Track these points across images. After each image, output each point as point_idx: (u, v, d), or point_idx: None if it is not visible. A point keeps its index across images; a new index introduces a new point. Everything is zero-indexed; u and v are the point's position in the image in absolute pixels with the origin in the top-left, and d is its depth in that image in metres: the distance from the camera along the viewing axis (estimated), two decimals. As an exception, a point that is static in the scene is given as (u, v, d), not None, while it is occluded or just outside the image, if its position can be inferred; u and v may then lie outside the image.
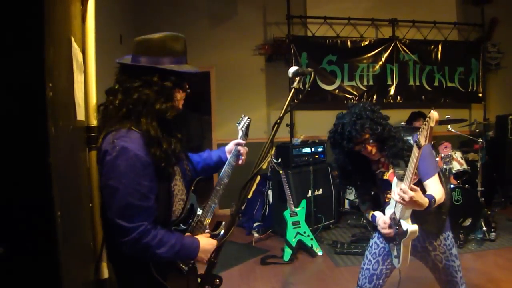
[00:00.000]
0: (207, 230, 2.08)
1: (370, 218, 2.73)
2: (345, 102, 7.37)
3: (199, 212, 2.08)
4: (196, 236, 1.96)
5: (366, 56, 7.46)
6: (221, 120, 7.16)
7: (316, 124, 7.29)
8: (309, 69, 1.96)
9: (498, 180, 7.38)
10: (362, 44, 7.47)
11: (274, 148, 1.86)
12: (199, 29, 7.00)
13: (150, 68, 1.78)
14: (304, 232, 5.10)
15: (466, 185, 5.39)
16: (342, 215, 6.58)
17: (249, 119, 2.45)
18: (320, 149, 6.10)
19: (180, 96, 1.92)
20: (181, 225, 1.95)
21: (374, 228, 2.82)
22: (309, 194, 5.70)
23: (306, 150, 5.96)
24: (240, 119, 2.45)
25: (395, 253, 2.62)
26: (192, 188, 2.05)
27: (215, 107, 7.21)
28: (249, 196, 1.79)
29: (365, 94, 7.46)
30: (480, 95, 8.09)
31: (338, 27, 7.40)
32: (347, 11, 7.45)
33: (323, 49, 7.26)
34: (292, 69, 1.96)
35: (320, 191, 5.92)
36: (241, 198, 1.79)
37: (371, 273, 2.83)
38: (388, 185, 2.50)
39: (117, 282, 1.82)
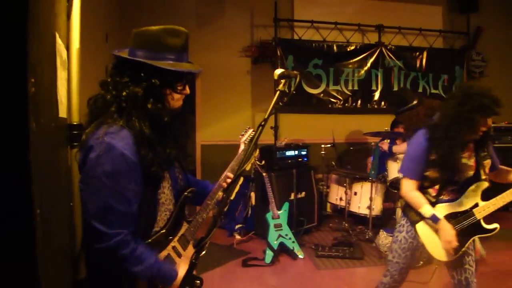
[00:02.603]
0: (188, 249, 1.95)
1: (428, 214, 2.78)
2: (330, 106, 7.40)
3: (185, 226, 1.95)
4: (177, 265, 1.85)
5: (351, 61, 7.50)
6: (205, 121, 7.13)
7: (301, 128, 7.33)
8: (295, 72, 1.96)
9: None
10: (348, 49, 7.50)
11: (258, 150, 1.84)
12: (185, 28, 6.97)
13: (138, 64, 1.65)
14: (286, 235, 5.11)
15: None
16: (324, 218, 6.60)
17: (253, 131, 2.29)
18: (303, 152, 6.12)
19: (176, 96, 1.77)
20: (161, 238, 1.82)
21: (412, 223, 2.92)
22: (292, 197, 5.72)
23: (290, 153, 5.97)
24: (244, 131, 2.40)
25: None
26: (182, 198, 1.89)
27: (200, 108, 7.18)
28: (232, 198, 1.78)
29: (350, 98, 7.50)
30: (463, 103, 8.16)
31: (324, 31, 7.43)
32: (334, 16, 7.49)
33: (309, 53, 7.28)
34: (278, 71, 1.95)
35: (303, 194, 5.94)
36: (223, 200, 1.78)
37: (400, 267, 3.04)
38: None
39: (89, 284, 1.73)
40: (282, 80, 1.91)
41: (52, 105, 1.47)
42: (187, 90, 1.82)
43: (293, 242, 5.14)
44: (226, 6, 7.23)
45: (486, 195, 2.92)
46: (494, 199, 2.85)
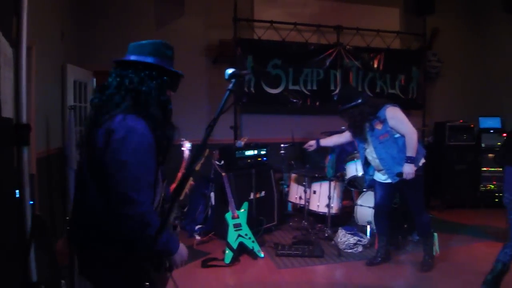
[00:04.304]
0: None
1: None
2: (289, 106, 7.46)
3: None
4: None
5: (310, 61, 7.58)
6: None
7: (260, 127, 7.34)
8: (245, 71, 1.97)
9: (436, 184, 7.69)
10: (307, 49, 7.58)
11: (207, 150, 1.84)
12: (144, 28, 6.89)
13: (151, 66, 2.04)
14: (246, 235, 5.11)
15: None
16: (284, 217, 6.63)
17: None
18: (263, 152, 6.14)
19: (170, 93, 2.14)
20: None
21: None
22: (252, 196, 5.73)
23: (249, 152, 5.98)
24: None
25: None
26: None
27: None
28: (181, 198, 1.77)
29: (309, 98, 7.57)
30: (420, 102, 8.39)
31: (284, 32, 7.48)
32: (293, 16, 7.56)
33: (269, 53, 7.31)
34: (229, 70, 1.95)
35: (263, 193, 5.96)
36: (172, 200, 1.77)
37: None
38: None
39: (103, 266, 1.92)
40: (232, 80, 1.90)
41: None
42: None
43: (253, 241, 5.14)
44: (186, 5, 7.17)
45: None
46: None
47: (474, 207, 7.75)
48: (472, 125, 7.90)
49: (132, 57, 2.06)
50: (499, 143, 7.73)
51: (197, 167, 1.78)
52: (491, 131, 7.94)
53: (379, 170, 4.79)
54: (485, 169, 7.75)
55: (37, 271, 1.76)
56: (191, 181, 1.80)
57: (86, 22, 6.55)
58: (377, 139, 4.59)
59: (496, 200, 7.68)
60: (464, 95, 8.84)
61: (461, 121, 7.92)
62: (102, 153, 1.82)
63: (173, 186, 2.85)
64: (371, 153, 4.75)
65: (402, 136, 4.51)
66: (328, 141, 5.41)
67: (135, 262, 1.88)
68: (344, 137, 5.21)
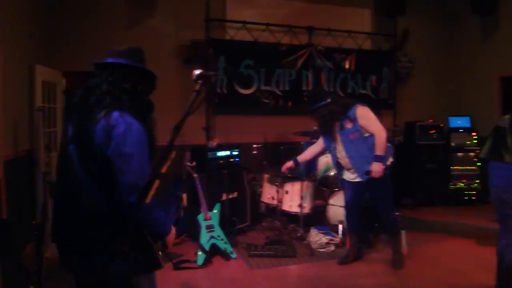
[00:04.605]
0: None
1: None
2: (261, 106, 7.46)
3: None
4: None
5: (282, 62, 7.59)
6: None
7: (232, 128, 7.31)
8: (212, 72, 1.97)
9: (407, 183, 7.80)
10: (279, 50, 7.59)
11: (174, 152, 1.83)
12: (114, 29, 6.77)
13: (134, 68, 2.19)
14: (218, 236, 5.09)
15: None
16: (257, 218, 6.63)
17: None
18: (235, 153, 6.12)
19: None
20: None
21: None
22: (224, 197, 5.71)
23: (221, 153, 5.95)
24: None
25: None
26: None
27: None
28: (148, 201, 1.74)
29: (281, 99, 7.59)
30: (391, 102, 8.50)
31: (256, 32, 7.48)
32: (265, 17, 7.55)
33: (241, 53, 7.30)
34: (196, 71, 1.94)
35: (235, 194, 5.94)
36: (138, 203, 1.75)
37: None
38: None
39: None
40: (199, 81, 1.89)
41: None
42: None
43: (225, 242, 5.13)
44: (157, 5, 7.08)
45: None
46: None
47: (444, 204, 7.90)
48: (442, 125, 8.06)
49: (116, 60, 2.17)
50: (468, 142, 7.92)
51: (164, 169, 1.75)
52: (461, 130, 8.11)
53: (348, 169, 4.85)
54: (454, 167, 7.91)
55: (3, 276, 1.71)
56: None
57: (55, 22, 6.42)
58: (347, 138, 4.65)
59: (466, 198, 7.86)
60: (434, 95, 8.98)
61: (431, 120, 8.06)
62: (102, 148, 1.91)
63: None
64: (340, 152, 4.80)
65: (371, 135, 4.57)
66: (306, 156, 5.42)
67: (145, 246, 2.03)
68: (319, 144, 5.23)
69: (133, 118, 1.98)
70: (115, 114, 1.95)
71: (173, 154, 1.80)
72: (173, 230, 2.21)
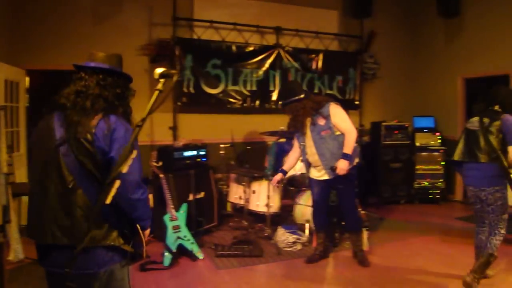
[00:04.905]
0: None
1: None
2: (229, 106, 7.45)
3: None
4: None
5: (250, 61, 7.62)
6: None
7: (200, 128, 7.29)
8: (174, 71, 1.94)
9: (372, 182, 7.90)
10: (247, 50, 7.62)
11: (135, 152, 1.82)
12: (80, 25, 6.65)
13: (121, 74, 2.33)
14: (185, 236, 5.05)
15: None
16: (224, 218, 6.62)
17: None
18: (202, 152, 6.06)
19: None
20: None
21: None
22: (191, 197, 5.66)
23: (188, 153, 5.89)
24: None
25: None
26: None
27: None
28: (107, 202, 1.71)
29: (249, 98, 7.60)
30: (357, 102, 8.63)
31: (224, 32, 7.47)
32: (233, 17, 7.55)
33: (208, 53, 7.28)
34: (158, 70, 1.93)
35: (202, 194, 5.89)
36: (97, 204, 1.72)
37: None
38: None
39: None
40: (161, 80, 1.88)
41: None
42: None
43: (192, 243, 5.09)
44: (124, 2, 6.98)
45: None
46: None
47: (409, 203, 8.05)
48: (406, 125, 8.19)
49: (109, 66, 2.28)
50: (432, 142, 8.08)
51: (124, 170, 1.73)
52: (425, 130, 8.28)
53: (315, 167, 4.88)
54: (419, 167, 8.05)
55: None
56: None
57: (18, 18, 6.27)
58: (318, 135, 4.69)
59: (430, 196, 8.02)
60: (399, 96, 9.14)
61: (396, 121, 8.19)
62: (103, 150, 2.03)
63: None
64: (310, 148, 4.82)
65: (342, 134, 4.63)
66: (290, 163, 5.20)
67: (135, 240, 2.24)
68: (297, 148, 5.11)
69: (127, 122, 2.16)
70: (113, 117, 2.09)
71: (134, 154, 1.78)
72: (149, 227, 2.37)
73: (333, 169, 4.62)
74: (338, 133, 4.66)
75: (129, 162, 1.78)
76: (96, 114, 2.07)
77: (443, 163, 7.99)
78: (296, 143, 5.10)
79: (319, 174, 4.85)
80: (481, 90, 9.39)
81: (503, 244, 4.38)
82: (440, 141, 8.15)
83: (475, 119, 4.25)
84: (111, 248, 2.11)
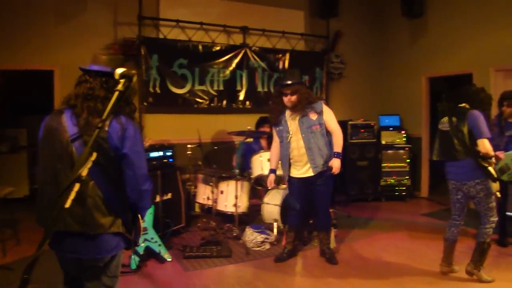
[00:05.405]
0: None
1: None
2: (195, 106, 7.40)
3: None
4: None
5: (217, 61, 7.57)
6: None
7: (166, 128, 7.21)
8: (133, 71, 1.91)
9: (340, 180, 7.97)
10: (214, 50, 7.56)
11: (95, 154, 1.78)
12: (43, 24, 6.48)
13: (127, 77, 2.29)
14: (152, 238, 4.98)
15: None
16: (192, 218, 6.57)
17: None
18: (168, 153, 5.99)
19: None
20: None
21: None
22: (158, 199, 5.59)
23: (154, 154, 5.81)
24: None
25: None
26: None
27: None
28: (67, 206, 1.66)
29: (216, 98, 7.56)
30: (323, 101, 8.64)
31: (190, 31, 7.41)
32: (200, 16, 7.49)
33: (175, 52, 7.20)
34: (119, 70, 1.89)
35: (169, 195, 5.83)
36: (57, 207, 1.67)
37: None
38: None
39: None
40: (121, 80, 1.84)
41: None
42: None
43: (160, 245, 5.03)
44: (88, 2, 6.83)
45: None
46: None
47: (376, 200, 8.18)
48: (372, 123, 8.32)
49: (112, 69, 2.27)
50: (398, 140, 8.22)
51: (84, 172, 1.68)
52: (391, 128, 8.42)
53: (296, 164, 4.87)
54: (385, 165, 8.18)
55: None
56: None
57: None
58: (309, 128, 4.73)
59: (396, 193, 8.16)
60: (365, 95, 9.27)
61: (362, 119, 8.30)
62: (117, 147, 2.22)
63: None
64: (297, 141, 4.81)
65: (328, 133, 4.75)
66: (275, 161, 5.17)
67: (135, 228, 2.49)
68: (277, 145, 5.08)
69: (133, 122, 2.35)
70: (123, 117, 2.28)
71: (93, 156, 1.74)
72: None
73: (329, 168, 4.70)
74: (325, 131, 4.77)
75: (89, 165, 1.74)
76: (108, 115, 2.11)
77: (409, 160, 8.14)
78: (276, 138, 5.08)
79: (301, 171, 4.85)
80: (446, 89, 9.67)
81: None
82: (405, 139, 8.30)
83: (445, 119, 4.37)
84: (117, 235, 2.34)
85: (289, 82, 4.73)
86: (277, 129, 4.99)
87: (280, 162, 5.09)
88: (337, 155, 4.72)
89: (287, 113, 4.88)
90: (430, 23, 8.27)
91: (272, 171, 5.13)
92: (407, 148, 8.19)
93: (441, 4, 7.99)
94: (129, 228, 2.42)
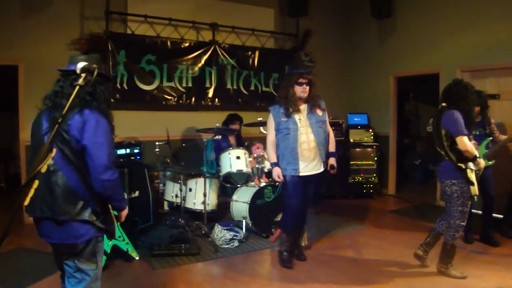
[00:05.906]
0: None
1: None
2: (164, 103, 7.32)
3: None
4: None
5: (185, 58, 7.51)
6: (30, 119, 6.49)
7: (134, 125, 7.09)
8: (94, 66, 1.88)
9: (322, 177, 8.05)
10: (182, 46, 7.50)
11: (54, 151, 1.75)
12: (6, 17, 6.27)
13: (102, 74, 2.63)
14: (119, 237, 4.91)
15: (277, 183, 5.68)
16: (161, 216, 6.52)
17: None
18: (136, 150, 5.91)
19: None
20: None
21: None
22: (125, 197, 5.52)
23: (121, 151, 5.72)
24: None
25: None
26: None
27: (23, 106, 6.52)
28: (26, 203, 1.62)
29: (184, 95, 7.50)
30: (293, 99, 8.68)
31: (159, 27, 7.32)
32: (168, 12, 7.39)
33: (143, 48, 7.10)
34: (80, 64, 1.85)
35: (137, 193, 5.76)
36: (15, 205, 1.62)
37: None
38: None
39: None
40: (82, 74, 1.80)
41: None
42: None
43: (127, 243, 4.97)
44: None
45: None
46: None
47: (344, 198, 8.26)
48: (341, 122, 8.41)
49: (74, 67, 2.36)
50: (366, 138, 8.34)
51: (43, 169, 1.65)
52: (359, 127, 8.52)
53: (304, 158, 4.64)
54: (353, 162, 8.28)
55: None
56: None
57: None
58: (318, 123, 4.70)
59: (364, 191, 8.26)
60: (334, 94, 9.32)
61: (330, 118, 8.33)
62: (77, 138, 2.37)
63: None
64: (307, 135, 4.61)
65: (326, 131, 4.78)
66: (274, 155, 4.78)
67: (107, 218, 2.58)
68: (273, 139, 4.78)
69: (99, 114, 2.46)
70: (86, 111, 2.41)
71: (53, 153, 1.70)
72: (126, 208, 2.78)
73: (332, 167, 4.76)
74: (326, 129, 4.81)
75: (49, 161, 1.71)
76: (74, 109, 2.38)
77: (376, 158, 8.25)
78: (272, 132, 4.75)
79: (309, 166, 4.68)
80: (414, 88, 9.84)
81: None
82: (373, 137, 8.41)
83: (431, 120, 4.48)
84: (85, 223, 2.45)
85: (309, 70, 4.74)
86: (281, 120, 4.66)
87: (278, 156, 4.73)
88: (333, 154, 4.80)
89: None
90: (398, 24, 8.40)
91: (275, 164, 4.69)
92: (374, 146, 8.30)
93: (410, 5, 8.13)
94: (102, 219, 2.52)
